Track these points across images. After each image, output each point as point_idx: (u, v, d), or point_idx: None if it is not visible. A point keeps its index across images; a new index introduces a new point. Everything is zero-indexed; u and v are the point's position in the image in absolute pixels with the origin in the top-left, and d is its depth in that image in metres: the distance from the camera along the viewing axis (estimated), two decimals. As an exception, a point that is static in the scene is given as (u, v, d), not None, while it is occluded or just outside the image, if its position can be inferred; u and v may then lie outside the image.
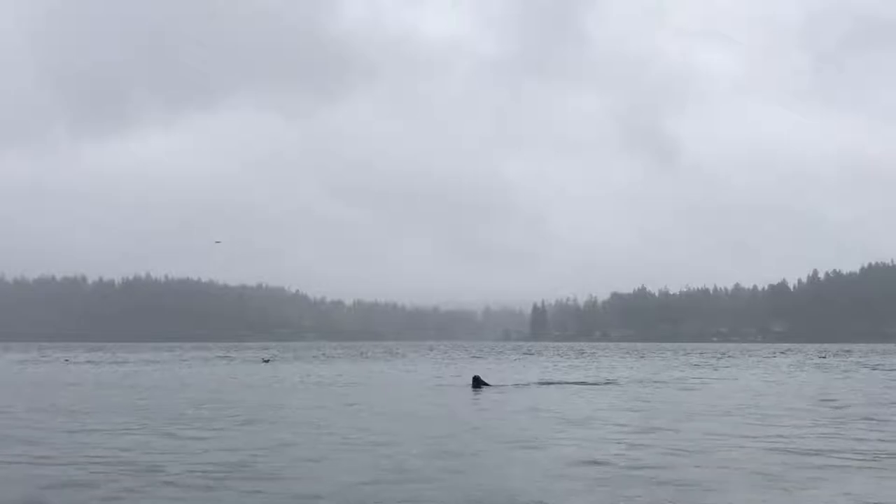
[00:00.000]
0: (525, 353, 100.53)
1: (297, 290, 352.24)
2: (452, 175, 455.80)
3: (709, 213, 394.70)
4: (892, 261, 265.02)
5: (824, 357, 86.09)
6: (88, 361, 74.84)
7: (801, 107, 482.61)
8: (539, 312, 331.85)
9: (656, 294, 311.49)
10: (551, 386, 35.60)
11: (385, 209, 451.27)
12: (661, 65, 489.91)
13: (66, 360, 78.06)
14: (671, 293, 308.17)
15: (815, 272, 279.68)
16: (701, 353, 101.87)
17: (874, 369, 54.70)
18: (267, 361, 74.35)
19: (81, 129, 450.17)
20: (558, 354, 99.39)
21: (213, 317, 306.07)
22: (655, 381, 39.03)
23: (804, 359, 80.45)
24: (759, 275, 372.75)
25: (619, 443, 17.10)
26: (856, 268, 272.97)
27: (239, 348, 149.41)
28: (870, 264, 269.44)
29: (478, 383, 33.79)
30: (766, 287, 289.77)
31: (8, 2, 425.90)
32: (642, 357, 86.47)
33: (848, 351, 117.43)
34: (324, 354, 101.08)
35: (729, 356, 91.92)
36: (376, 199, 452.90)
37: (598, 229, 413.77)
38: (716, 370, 55.05)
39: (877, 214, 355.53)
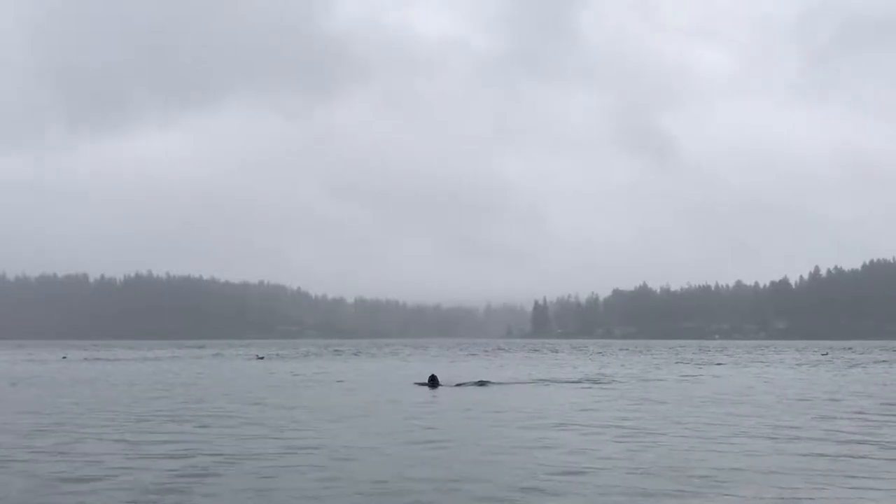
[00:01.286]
0: (503, 352, 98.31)
1: (299, 288, 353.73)
2: (454, 173, 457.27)
3: (710, 212, 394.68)
4: (894, 258, 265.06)
5: (825, 354, 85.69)
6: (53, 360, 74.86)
7: (801, 105, 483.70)
8: (541, 310, 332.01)
9: (658, 291, 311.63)
10: (505, 386, 34.14)
11: (386, 207, 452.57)
12: (658, 63, 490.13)
13: (64, 357, 79.08)
14: (673, 290, 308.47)
15: (817, 269, 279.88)
16: (675, 351, 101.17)
17: (862, 367, 54.32)
18: (261, 358, 75.03)
19: (82, 129, 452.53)
20: (536, 352, 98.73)
21: (215, 315, 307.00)
22: (606, 381, 37.22)
23: (801, 356, 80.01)
24: (760, 272, 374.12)
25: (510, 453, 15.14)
26: (857, 265, 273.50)
27: (236, 346, 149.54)
28: (871, 261, 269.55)
29: (434, 382, 33.39)
30: (768, 284, 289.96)
31: (8, 2, 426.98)
32: (609, 355, 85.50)
33: (849, 349, 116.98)
34: (306, 353, 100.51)
35: (711, 353, 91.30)
36: (377, 198, 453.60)
37: (599, 227, 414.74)
38: (687, 367, 54.39)
39: (878, 212, 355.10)
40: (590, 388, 33.19)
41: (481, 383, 34.54)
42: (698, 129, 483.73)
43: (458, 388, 32.32)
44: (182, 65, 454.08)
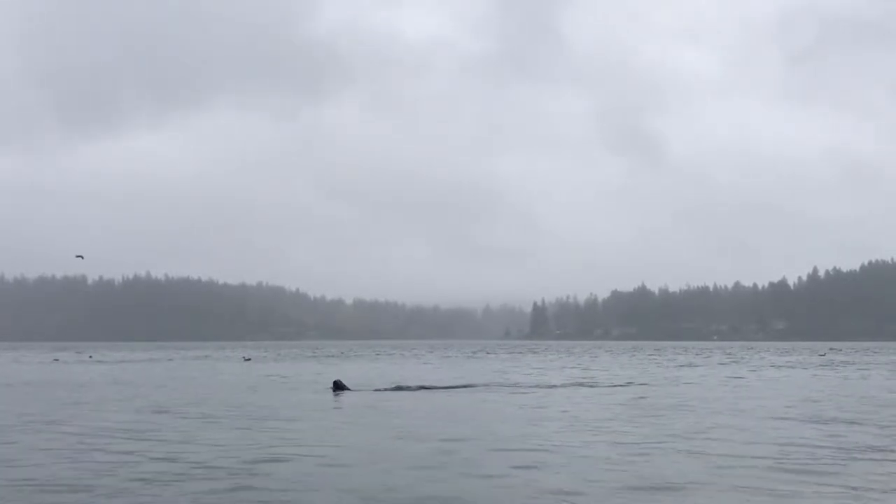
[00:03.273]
0: (474, 354, 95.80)
1: (297, 289, 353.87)
2: (451, 174, 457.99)
3: (709, 212, 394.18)
4: (892, 259, 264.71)
5: (824, 355, 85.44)
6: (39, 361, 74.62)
7: (793, 105, 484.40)
8: (539, 311, 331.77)
9: (656, 292, 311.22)
10: (422, 390, 31.92)
11: (384, 209, 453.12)
12: (645, 64, 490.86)
13: (56, 360, 79.03)
14: (671, 291, 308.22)
15: (816, 270, 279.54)
16: (656, 352, 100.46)
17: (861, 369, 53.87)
18: (248, 360, 75.06)
19: (79, 130, 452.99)
20: (514, 353, 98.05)
21: (214, 316, 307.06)
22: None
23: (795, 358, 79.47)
24: (759, 273, 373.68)
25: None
26: (856, 266, 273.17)
27: (231, 348, 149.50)
28: (870, 262, 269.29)
29: (338, 387, 32.24)
30: (767, 285, 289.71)
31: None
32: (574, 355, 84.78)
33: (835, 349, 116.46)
34: (279, 354, 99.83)
35: (678, 353, 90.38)
36: (375, 199, 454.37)
37: (598, 228, 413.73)
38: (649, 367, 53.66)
39: (877, 212, 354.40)
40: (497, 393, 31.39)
41: (397, 388, 32.79)
42: (690, 130, 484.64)
43: (363, 393, 30.68)
44: (176, 65, 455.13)
